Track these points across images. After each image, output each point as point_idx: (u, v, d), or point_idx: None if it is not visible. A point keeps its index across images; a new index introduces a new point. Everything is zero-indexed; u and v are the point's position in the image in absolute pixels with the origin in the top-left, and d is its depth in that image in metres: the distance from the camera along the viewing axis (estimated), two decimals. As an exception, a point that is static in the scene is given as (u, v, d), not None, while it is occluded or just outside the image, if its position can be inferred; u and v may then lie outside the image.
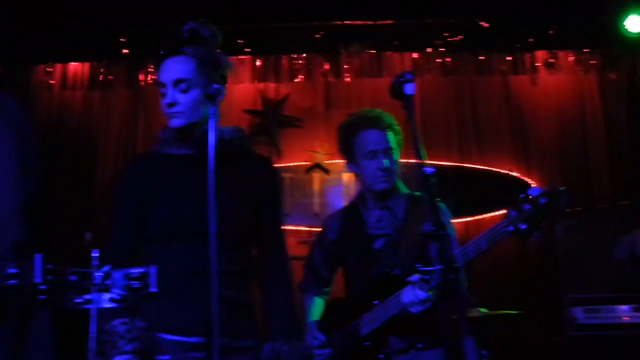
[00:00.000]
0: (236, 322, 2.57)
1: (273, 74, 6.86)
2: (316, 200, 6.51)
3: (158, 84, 2.69)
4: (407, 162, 5.46)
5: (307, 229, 6.38)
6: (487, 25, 6.66)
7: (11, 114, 2.33)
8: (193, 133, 2.64)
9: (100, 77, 7.08)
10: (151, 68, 6.85)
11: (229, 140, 2.71)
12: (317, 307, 3.60)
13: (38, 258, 1.81)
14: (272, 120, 6.66)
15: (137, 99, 7.00)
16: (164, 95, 2.65)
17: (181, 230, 2.57)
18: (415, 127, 2.38)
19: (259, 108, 6.72)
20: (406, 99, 2.41)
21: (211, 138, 2.20)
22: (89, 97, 7.10)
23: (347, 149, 3.48)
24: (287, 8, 6.41)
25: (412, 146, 2.37)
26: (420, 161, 2.30)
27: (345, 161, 3.54)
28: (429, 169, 2.28)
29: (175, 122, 2.64)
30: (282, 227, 2.92)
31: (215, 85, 2.31)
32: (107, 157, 6.87)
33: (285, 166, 6.55)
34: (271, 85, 6.85)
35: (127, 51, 6.84)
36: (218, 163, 2.32)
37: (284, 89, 6.84)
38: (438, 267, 2.28)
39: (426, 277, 2.89)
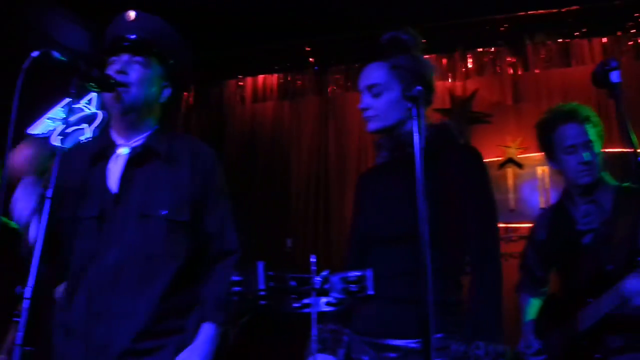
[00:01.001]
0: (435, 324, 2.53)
1: (459, 71, 6.80)
2: (511, 195, 6.39)
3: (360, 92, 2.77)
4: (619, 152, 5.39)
5: (504, 225, 6.29)
6: (682, -1, 6.31)
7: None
8: (387, 137, 2.69)
9: (289, 87, 7.32)
10: (338, 75, 6.99)
11: (425, 137, 2.62)
12: (532, 308, 3.55)
13: (261, 265, 1.91)
14: (462, 117, 6.57)
15: (326, 106, 7.15)
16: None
17: (380, 235, 2.61)
18: (625, 115, 2.28)
19: (447, 106, 6.65)
20: (612, 87, 2.32)
21: (416, 139, 2.16)
22: (279, 107, 7.33)
23: (547, 146, 3.43)
24: (469, 3, 6.37)
25: (622, 135, 2.25)
26: (633, 149, 2.18)
27: (547, 158, 3.48)
28: (643, 157, 2.20)
29: (370, 126, 2.70)
30: (491, 221, 2.70)
31: (418, 87, 2.26)
32: (301, 163, 7.06)
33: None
34: (458, 82, 6.78)
35: (312, 60, 7.00)
36: (410, 165, 2.25)
37: (471, 84, 6.74)
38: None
39: None
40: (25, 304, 2.01)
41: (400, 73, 2.65)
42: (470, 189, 2.64)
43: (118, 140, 2.62)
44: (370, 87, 2.68)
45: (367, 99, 2.69)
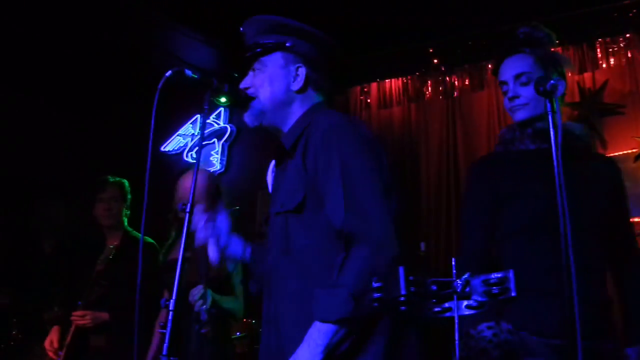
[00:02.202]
0: (599, 323, 2.53)
1: (588, 62, 6.55)
2: (649, 188, 6.12)
3: (500, 84, 2.80)
4: None
5: (641, 220, 6.06)
6: None
7: (363, 135, 2.34)
8: (537, 126, 2.68)
9: (415, 90, 7.33)
10: (464, 74, 6.98)
11: (580, 137, 2.74)
12: None
13: (401, 270, 1.85)
14: (592, 110, 6.37)
15: (452, 106, 7.12)
16: (506, 92, 2.75)
17: (547, 224, 2.52)
18: None
19: (577, 99, 6.44)
20: None
21: (552, 134, 2.15)
22: (406, 110, 7.38)
23: None
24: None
25: None
26: None
27: None
28: None
29: (519, 115, 2.71)
30: (632, 223, 2.86)
31: (552, 81, 2.22)
32: (430, 166, 7.07)
33: (611, 156, 6.20)
34: (587, 74, 6.55)
35: (437, 61, 6.98)
36: (573, 158, 2.39)
37: (601, 75, 6.49)
38: None
39: None
40: (170, 315, 2.07)
41: (545, 66, 2.71)
42: (618, 195, 2.81)
43: None
44: (518, 76, 2.72)
45: (515, 88, 2.72)
